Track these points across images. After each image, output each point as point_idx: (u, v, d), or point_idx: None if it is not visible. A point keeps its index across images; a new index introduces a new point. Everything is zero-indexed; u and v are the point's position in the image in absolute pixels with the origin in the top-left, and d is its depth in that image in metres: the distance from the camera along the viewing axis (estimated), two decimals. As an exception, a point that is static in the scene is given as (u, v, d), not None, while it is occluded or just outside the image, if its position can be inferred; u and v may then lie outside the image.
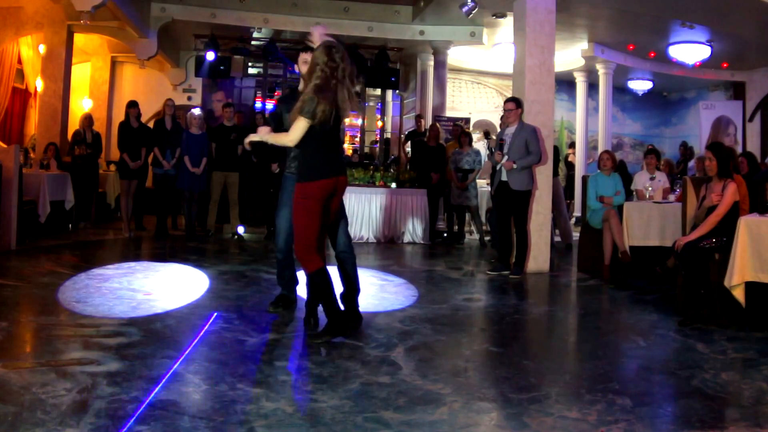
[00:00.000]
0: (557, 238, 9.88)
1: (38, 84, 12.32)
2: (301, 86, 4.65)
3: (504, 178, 7.26)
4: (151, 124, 10.18)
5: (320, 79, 4.04)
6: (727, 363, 4.14)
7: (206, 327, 4.40)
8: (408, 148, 12.07)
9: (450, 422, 2.98)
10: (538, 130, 7.39)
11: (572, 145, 14.88)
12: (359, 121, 15.95)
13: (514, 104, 7.34)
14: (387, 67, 13.62)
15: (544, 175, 7.75)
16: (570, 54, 13.97)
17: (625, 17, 11.42)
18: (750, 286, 4.86)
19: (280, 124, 4.68)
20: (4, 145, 9.58)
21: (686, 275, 5.29)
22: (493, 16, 11.54)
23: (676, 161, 15.45)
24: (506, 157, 7.17)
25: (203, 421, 2.84)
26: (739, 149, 13.04)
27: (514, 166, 7.11)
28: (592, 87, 15.17)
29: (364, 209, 9.86)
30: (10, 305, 4.89)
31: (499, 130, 9.14)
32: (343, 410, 3.05)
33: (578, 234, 8.51)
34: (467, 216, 10.64)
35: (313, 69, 4.10)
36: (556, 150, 10.45)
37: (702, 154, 11.36)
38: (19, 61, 12.48)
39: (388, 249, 9.25)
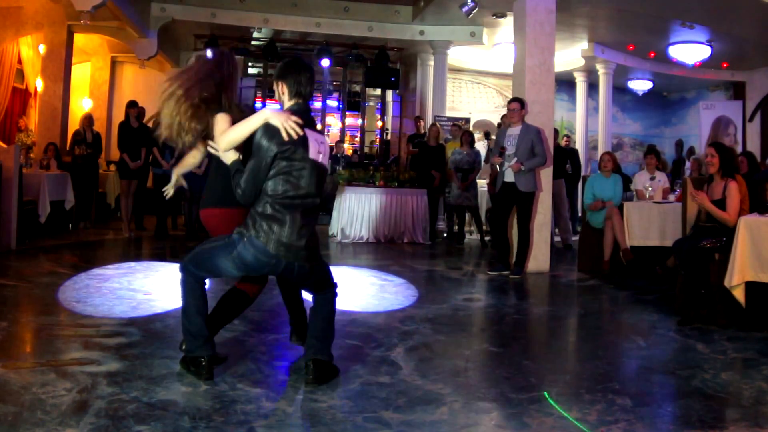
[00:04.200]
0: (557, 238, 9.88)
1: (38, 84, 12.32)
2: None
3: (509, 179, 7.22)
4: (151, 124, 10.17)
5: None
6: (727, 363, 4.14)
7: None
8: (410, 149, 12.04)
9: (450, 422, 2.98)
10: (542, 132, 7.38)
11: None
12: (359, 121, 15.95)
13: (518, 104, 7.30)
14: (387, 67, 13.63)
15: (543, 175, 7.74)
16: (570, 54, 13.98)
17: (625, 17, 11.42)
18: (750, 286, 4.85)
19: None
20: (4, 145, 9.58)
21: (686, 275, 5.29)
22: (493, 16, 11.55)
23: (673, 160, 15.49)
24: (515, 159, 7.14)
25: (203, 421, 2.84)
26: (739, 149, 13.04)
27: (522, 168, 7.10)
28: (592, 87, 15.17)
29: (364, 209, 9.86)
30: (10, 305, 4.89)
31: (497, 130, 9.14)
32: (343, 410, 3.05)
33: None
34: (467, 216, 10.64)
35: None
36: (562, 152, 10.46)
37: (700, 155, 11.38)
38: (19, 61, 12.47)
39: (388, 249, 9.25)
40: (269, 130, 3.16)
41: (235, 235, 3.25)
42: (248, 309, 4.26)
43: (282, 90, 3.38)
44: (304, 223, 3.25)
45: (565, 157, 10.45)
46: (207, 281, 3.49)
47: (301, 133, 3.18)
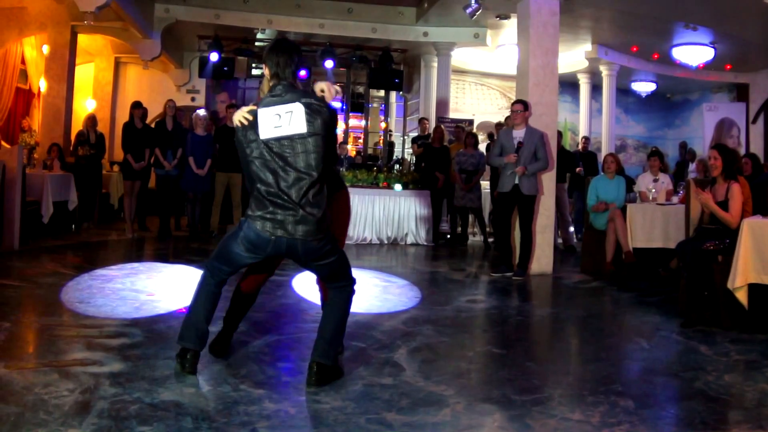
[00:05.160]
0: (559, 240, 9.88)
1: (42, 84, 12.35)
2: None
3: (516, 182, 7.22)
4: (153, 125, 10.19)
5: None
6: (730, 365, 4.13)
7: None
8: (416, 151, 12.02)
9: (453, 424, 2.98)
10: (546, 137, 7.38)
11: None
12: (363, 123, 15.96)
13: (522, 106, 7.31)
14: (391, 68, 13.63)
15: (547, 177, 7.73)
16: (574, 56, 13.98)
17: (629, 19, 11.42)
18: (753, 288, 4.85)
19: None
20: (8, 146, 9.59)
21: (689, 277, 5.27)
22: (496, 17, 11.55)
23: (676, 162, 15.49)
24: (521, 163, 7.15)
25: (206, 422, 2.84)
26: (742, 151, 13.04)
27: (526, 172, 7.10)
28: (596, 89, 15.17)
29: (367, 210, 9.86)
30: (13, 305, 4.90)
31: (499, 131, 9.13)
32: (346, 411, 3.05)
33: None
34: (471, 217, 10.63)
35: None
36: (568, 155, 10.44)
37: (704, 156, 11.38)
38: (23, 62, 12.50)
39: (391, 250, 9.25)
40: (236, 133, 3.39)
41: (243, 218, 3.38)
42: (251, 310, 4.28)
43: (266, 72, 3.46)
44: (293, 197, 3.23)
45: (568, 161, 10.45)
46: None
47: (250, 119, 3.28)
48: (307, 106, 3.26)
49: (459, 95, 16.26)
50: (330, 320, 3.47)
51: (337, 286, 3.51)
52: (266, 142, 3.25)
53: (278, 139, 3.25)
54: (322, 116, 3.28)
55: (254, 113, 3.28)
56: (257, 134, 3.26)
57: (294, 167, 3.24)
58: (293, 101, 3.27)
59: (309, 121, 3.24)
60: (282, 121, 3.24)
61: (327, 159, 3.35)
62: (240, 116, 3.31)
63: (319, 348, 3.42)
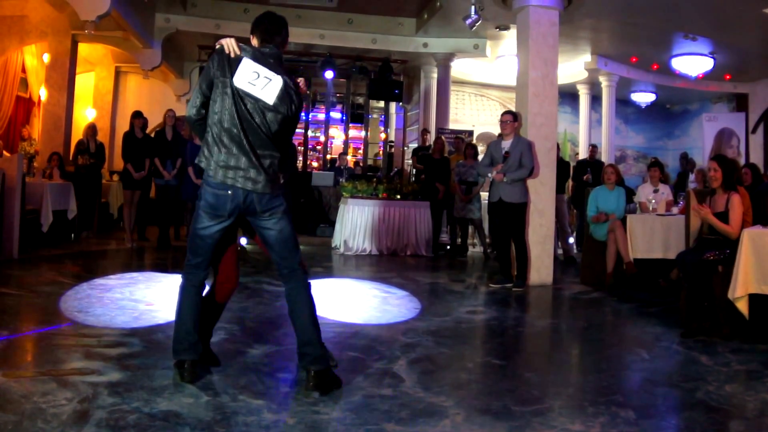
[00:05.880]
0: (559, 251, 9.88)
1: (42, 93, 12.37)
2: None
3: (501, 191, 7.26)
4: (152, 135, 10.19)
5: None
6: (730, 375, 4.11)
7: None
8: (415, 164, 12.02)
9: (452, 435, 2.96)
10: (532, 145, 7.41)
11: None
12: (363, 134, 15.97)
13: (512, 117, 7.38)
14: (390, 79, 13.67)
15: (547, 187, 7.74)
16: (573, 66, 14.02)
17: (628, 29, 11.46)
18: (753, 299, 4.84)
19: None
20: (8, 154, 9.59)
21: (690, 287, 5.27)
22: (496, 28, 11.59)
23: (677, 173, 15.51)
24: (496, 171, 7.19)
25: (204, 432, 2.83)
26: (742, 161, 13.06)
27: (504, 179, 7.13)
28: (596, 99, 15.21)
29: (366, 221, 9.85)
30: (11, 314, 4.88)
31: (492, 141, 9.16)
32: (345, 422, 3.04)
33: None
34: (470, 228, 10.63)
35: None
36: (566, 165, 10.45)
37: (703, 166, 11.37)
38: (23, 70, 12.53)
39: (390, 261, 9.23)
40: (214, 52, 3.43)
41: (197, 200, 3.45)
42: (250, 321, 4.26)
43: (254, 42, 3.55)
44: (251, 141, 3.30)
45: (566, 171, 10.45)
46: (205, 287, 3.57)
47: (237, 52, 3.35)
48: (285, 84, 3.35)
49: (459, 106, 16.30)
50: (302, 323, 3.43)
51: (291, 269, 3.46)
52: (237, 89, 3.31)
53: (247, 94, 3.32)
54: (291, 101, 3.37)
55: (239, 57, 3.35)
56: (232, 76, 3.31)
57: (254, 120, 3.32)
58: (277, 72, 3.36)
59: (279, 98, 3.32)
60: (258, 82, 3.31)
61: (281, 137, 3.43)
62: (232, 45, 3.38)
63: (308, 355, 3.39)
